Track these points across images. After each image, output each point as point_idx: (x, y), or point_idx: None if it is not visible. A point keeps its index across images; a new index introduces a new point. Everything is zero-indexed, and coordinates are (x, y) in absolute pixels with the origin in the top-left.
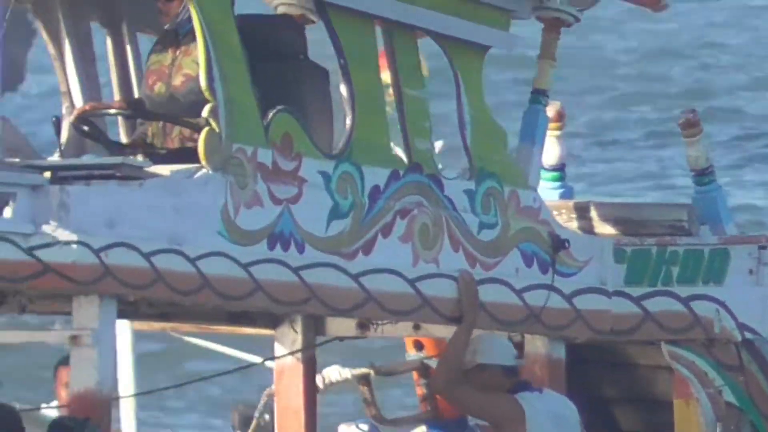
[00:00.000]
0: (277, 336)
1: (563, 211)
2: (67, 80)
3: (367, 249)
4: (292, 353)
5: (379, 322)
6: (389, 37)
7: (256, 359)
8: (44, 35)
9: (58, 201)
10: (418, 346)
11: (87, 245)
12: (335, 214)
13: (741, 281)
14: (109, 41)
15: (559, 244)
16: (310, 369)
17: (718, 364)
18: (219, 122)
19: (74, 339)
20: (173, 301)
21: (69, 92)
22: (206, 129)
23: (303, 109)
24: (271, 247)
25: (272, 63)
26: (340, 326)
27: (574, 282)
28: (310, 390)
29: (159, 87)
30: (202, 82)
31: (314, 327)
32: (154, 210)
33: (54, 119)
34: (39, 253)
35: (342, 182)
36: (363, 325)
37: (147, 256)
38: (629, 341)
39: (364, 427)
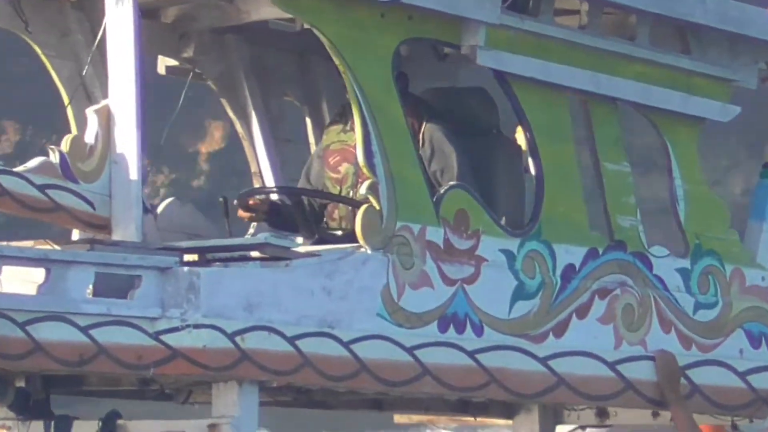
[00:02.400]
0: (514, 426)
1: None
2: (257, 160)
3: (559, 331)
4: None
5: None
6: (586, 109)
7: None
8: (230, 113)
9: (187, 283)
10: None
11: (220, 329)
12: (520, 294)
13: None
14: (308, 120)
15: None
16: None
17: None
18: (379, 199)
19: (213, 428)
20: (325, 386)
21: (260, 172)
22: (365, 207)
23: (494, 184)
24: (443, 330)
25: (465, 138)
26: (580, 415)
27: None
28: None
29: (345, 168)
30: (360, 159)
31: (553, 416)
32: (302, 292)
33: (221, 199)
34: (165, 337)
35: (529, 261)
36: (602, 413)
37: (291, 340)
38: None
39: None
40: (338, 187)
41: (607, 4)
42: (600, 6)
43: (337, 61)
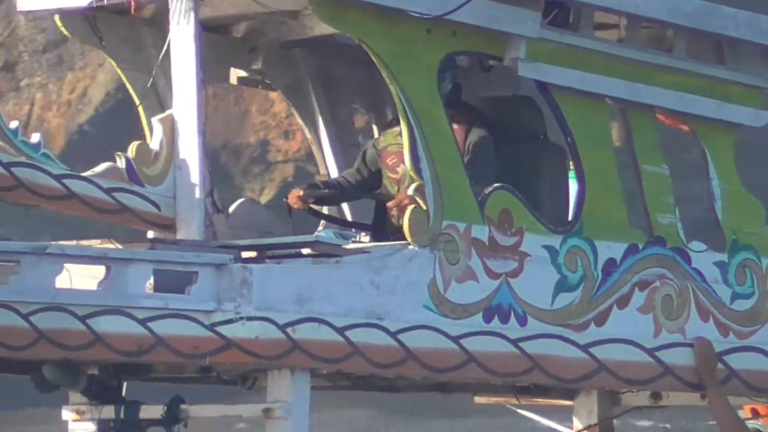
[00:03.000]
0: (575, 407)
1: None
2: (325, 164)
3: (601, 320)
4: (589, 426)
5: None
6: (624, 116)
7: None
8: (299, 120)
9: (240, 279)
10: (754, 413)
11: (271, 321)
12: (562, 287)
13: None
14: (374, 126)
15: None
16: None
17: None
18: (426, 200)
19: (268, 412)
20: (373, 373)
21: (328, 175)
22: (411, 207)
23: (539, 186)
24: (488, 320)
25: (513, 144)
26: (635, 397)
27: None
28: None
29: (403, 169)
30: (407, 163)
31: (610, 398)
32: (351, 286)
33: (285, 199)
34: (220, 329)
35: (571, 256)
36: (656, 395)
37: (341, 330)
38: None
39: None
40: (396, 187)
41: (645, 19)
42: (638, 21)
43: (384, 74)
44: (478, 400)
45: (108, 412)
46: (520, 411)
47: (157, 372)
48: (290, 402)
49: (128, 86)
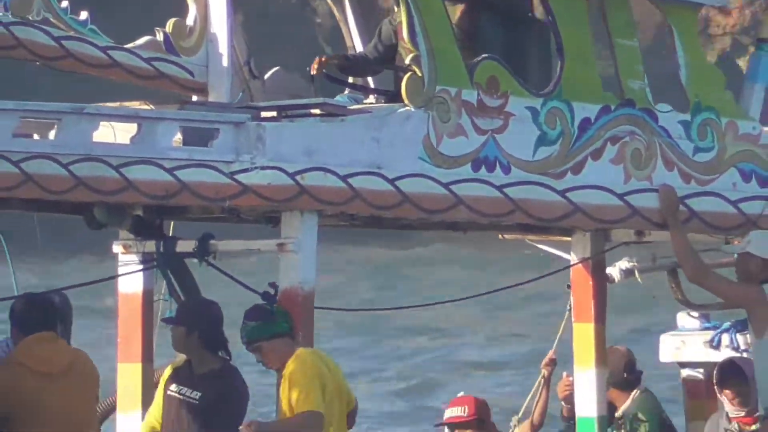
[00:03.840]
0: (572, 242)
1: None
2: (352, 39)
3: (577, 170)
4: (585, 259)
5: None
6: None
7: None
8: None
9: (256, 135)
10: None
11: (282, 170)
12: (543, 141)
13: None
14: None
15: None
16: (599, 268)
17: None
18: (421, 68)
19: (281, 246)
20: (372, 215)
21: (354, 48)
22: (408, 74)
23: (526, 57)
24: (476, 170)
25: (504, 21)
26: (624, 234)
27: None
28: (600, 283)
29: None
30: (404, 35)
31: (603, 235)
32: (354, 141)
33: (308, 67)
34: (239, 176)
35: (551, 115)
36: (639, 233)
37: (344, 177)
38: None
39: (695, 314)
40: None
41: None
42: None
43: None
44: (506, 236)
45: (150, 246)
46: (539, 245)
47: (192, 213)
48: (299, 238)
49: None
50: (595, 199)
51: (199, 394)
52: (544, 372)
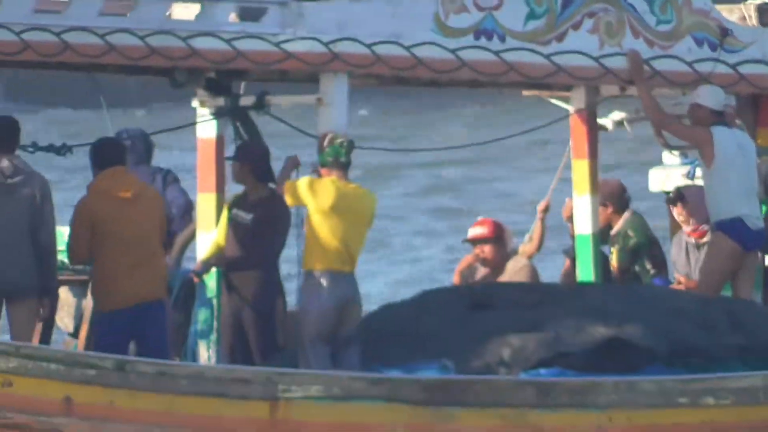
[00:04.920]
0: (572, 96)
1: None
2: None
3: (560, 38)
4: (581, 110)
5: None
6: None
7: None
8: None
9: (297, 11)
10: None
11: (318, 40)
12: (531, 16)
13: None
14: None
15: (723, 31)
16: (593, 117)
17: None
18: None
19: (319, 100)
20: (392, 75)
21: None
22: None
23: None
24: (477, 39)
25: None
26: (612, 90)
27: (738, 56)
28: (593, 128)
29: None
30: None
31: (596, 90)
32: (377, 16)
33: None
34: (284, 45)
35: None
36: (622, 88)
37: (369, 45)
38: None
39: (676, 153)
40: None
41: None
42: None
43: None
44: (525, 93)
45: (220, 101)
46: (552, 100)
47: (252, 75)
48: (333, 94)
49: None
50: (575, 60)
51: (251, 216)
52: (541, 216)
